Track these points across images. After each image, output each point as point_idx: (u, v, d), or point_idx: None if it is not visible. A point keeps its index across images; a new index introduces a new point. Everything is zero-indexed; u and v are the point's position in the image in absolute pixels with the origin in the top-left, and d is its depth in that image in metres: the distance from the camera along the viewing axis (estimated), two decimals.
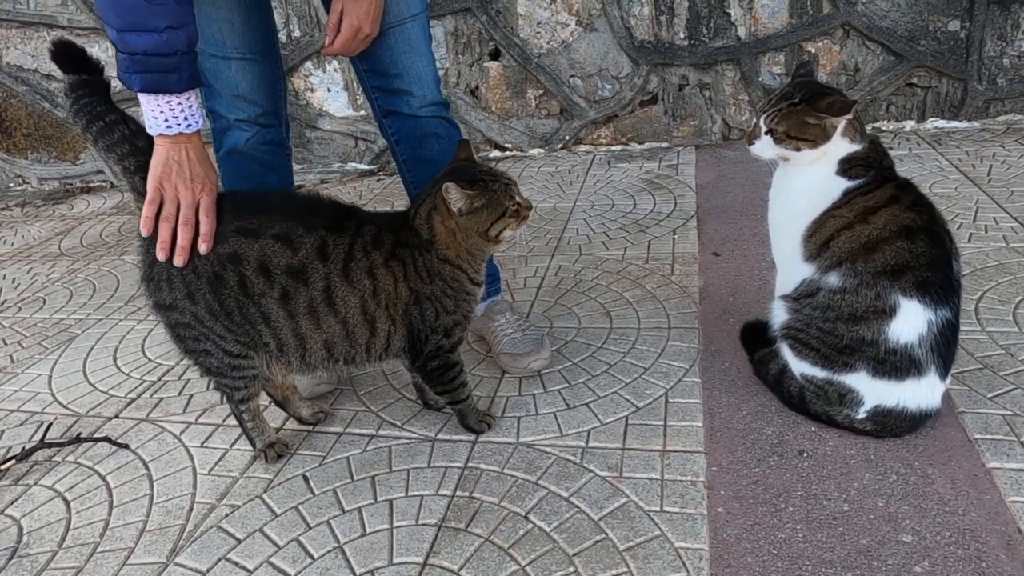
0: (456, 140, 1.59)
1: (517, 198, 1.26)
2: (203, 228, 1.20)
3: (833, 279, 1.22)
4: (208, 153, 1.26)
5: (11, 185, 3.93)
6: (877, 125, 3.00)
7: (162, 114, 1.17)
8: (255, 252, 1.20)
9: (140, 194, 1.24)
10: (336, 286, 1.22)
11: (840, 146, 1.24)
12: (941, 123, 2.96)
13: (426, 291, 1.26)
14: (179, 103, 1.17)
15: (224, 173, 1.55)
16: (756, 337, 1.48)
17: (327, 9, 1.50)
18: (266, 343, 1.26)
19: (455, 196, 1.20)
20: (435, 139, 1.55)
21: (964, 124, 2.93)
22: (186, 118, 1.19)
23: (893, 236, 1.16)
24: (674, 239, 2.22)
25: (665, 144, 3.22)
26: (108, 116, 1.21)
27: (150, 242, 1.24)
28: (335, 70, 3.36)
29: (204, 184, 1.22)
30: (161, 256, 1.20)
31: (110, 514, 1.32)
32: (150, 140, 1.22)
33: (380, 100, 1.53)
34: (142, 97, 1.17)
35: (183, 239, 1.19)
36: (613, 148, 3.27)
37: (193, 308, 1.22)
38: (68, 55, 1.21)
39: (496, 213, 1.23)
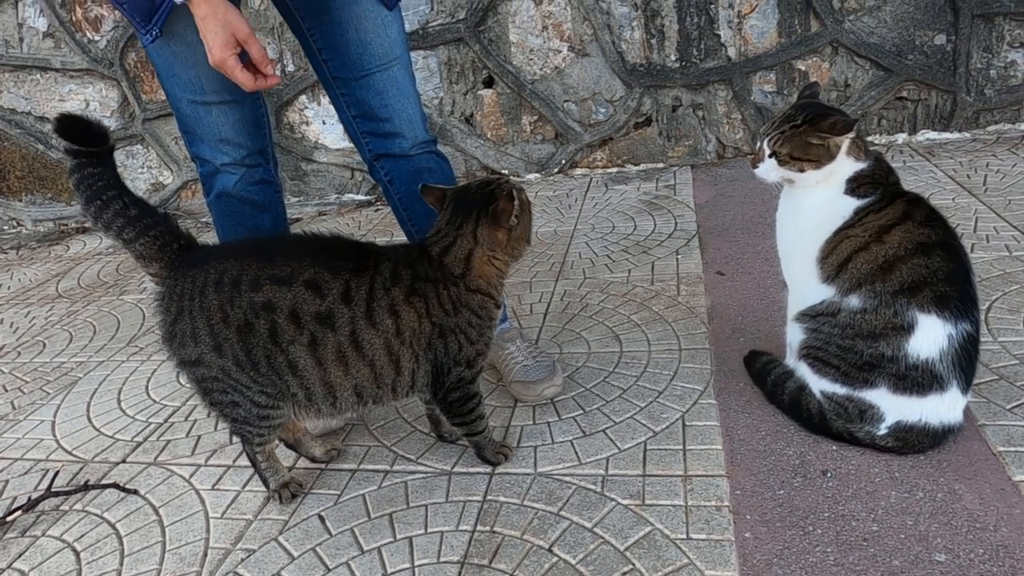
0: (448, 172, 1.59)
1: (521, 191, 1.28)
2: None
3: (854, 301, 1.21)
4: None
5: (5, 228, 3.91)
6: (870, 139, 3.04)
7: None
8: (287, 300, 1.18)
9: (145, 259, 1.23)
10: (361, 329, 1.21)
11: (845, 165, 1.25)
12: (932, 135, 3.00)
13: (450, 324, 1.25)
14: None
15: (216, 217, 1.54)
16: (755, 355, 1.49)
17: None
18: (294, 393, 1.24)
19: (513, 209, 1.22)
20: (428, 174, 1.55)
21: (955, 135, 2.97)
22: None
23: (909, 254, 1.16)
24: (678, 259, 2.22)
25: (661, 165, 3.24)
26: (106, 193, 1.20)
27: (168, 301, 1.22)
28: (330, 103, 3.37)
29: (239, 29, 1.23)
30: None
31: (122, 564, 1.28)
32: (141, 208, 1.22)
33: (371, 144, 1.54)
34: None
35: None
36: (609, 170, 3.29)
37: (220, 361, 1.20)
38: (74, 128, 1.20)
39: (529, 216, 1.29)
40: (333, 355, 1.21)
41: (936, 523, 1.11)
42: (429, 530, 1.25)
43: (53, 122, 1.21)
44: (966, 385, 1.20)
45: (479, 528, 1.24)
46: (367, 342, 1.21)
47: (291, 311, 1.18)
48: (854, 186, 1.25)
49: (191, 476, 1.51)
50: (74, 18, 3.42)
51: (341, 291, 1.20)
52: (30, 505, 1.46)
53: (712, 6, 2.97)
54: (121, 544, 1.33)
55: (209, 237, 1.53)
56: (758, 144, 1.31)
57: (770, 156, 1.28)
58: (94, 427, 1.76)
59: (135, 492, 1.48)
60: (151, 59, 1.41)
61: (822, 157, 1.24)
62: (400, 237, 1.71)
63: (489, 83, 3.26)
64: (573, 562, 1.14)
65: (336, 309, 1.19)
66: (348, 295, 1.20)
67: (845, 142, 1.23)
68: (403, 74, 1.50)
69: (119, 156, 3.66)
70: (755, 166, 1.31)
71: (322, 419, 1.35)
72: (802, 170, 1.25)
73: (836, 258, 1.23)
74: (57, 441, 1.72)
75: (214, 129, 1.44)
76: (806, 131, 1.23)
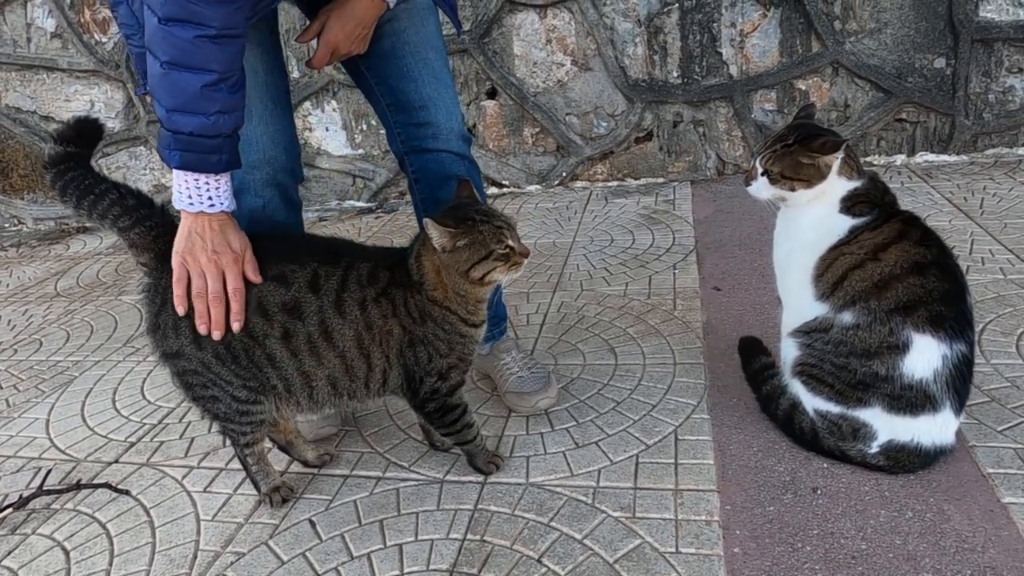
0: (477, 182, 1.53)
1: (509, 242, 1.20)
2: (233, 307, 1.18)
3: (847, 317, 1.22)
4: (234, 221, 1.23)
5: (6, 226, 3.92)
6: (868, 159, 3.06)
7: (187, 190, 1.17)
8: (255, 294, 1.21)
9: (137, 248, 1.25)
10: (330, 318, 1.22)
11: (838, 185, 1.26)
12: (931, 157, 3.02)
13: (418, 333, 1.25)
14: (207, 183, 1.17)
15: None
16: (753, 351, 1.54)
17: (309, 18, 1.44)
18: (274, 385, 1.26)
19: (435, 233, 1.17)
20: (456, 181, 1.53)
21: (953, 158, 2.99)
22: (210, 198, 1.18)
23: (905, 273, 1.17)
24: (675, 274, 2.23)
25: (661, 179, 3.26)
26: (97, 188, 1.22)
27: (154, 292, 1.24)
28: (333, 110, 3.40)
29: (227, 254, 1.19)
30: (203, 330, 1.19)
31: (111, 564, 1.28)
32: (139, 199, 1.23)
33: (403, 136, 1.49)
34: (175, 172, 1.18)
35: (216, 316, 1.18)
36: (610, 184, 3.31)
37: (200, 354, 1.22)
38: (88, 131, 1.22)
39: (478, 254, 1.19)
40: (304, 344, 1.22)
41: (924, 543, 1.12)
42: (419, 537, 1.25)
43: (69, 125, 1.21)
44: (959, 406, 1.21)
45: (469, 537, 1.24)
46: (336, 331, 1.22)
47: (258, 304, 1.20)
48: (849, 205, 1.26)
49: (183, 478, 1.51)
50: (82, 20, 3.45)
51: (308, 280, 1.21)
52: (21, 503, 1.46)
53: (715, 24, 3.00)
54: (111, 544, 1.33)
55: None
56: (752, 162, 1.32)
57: (762, 174, 1.29)
58: (88, 426, 1.76)
59: (127, 492, 1.48)
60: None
61: (812, 176, 1.25)
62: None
63: (492, 94, 3.28)
64: (562, 573, 1.14)
65: (303, 298, 1.21)
66: (316, 284, 1.22)
67: (835, 162, 1.24)
68: (440, 63, 1.45)
69: (123, 157, 3.68)
70: (748, 184, 1.33)
71: (303, 413, 1.35)
72: (793, 189, 1.27)
73: (831, 276, 1.24)
74: (50, 439, 1.72)
75: (251, 139, 1.37)
76: (797, 151, 1.24)
